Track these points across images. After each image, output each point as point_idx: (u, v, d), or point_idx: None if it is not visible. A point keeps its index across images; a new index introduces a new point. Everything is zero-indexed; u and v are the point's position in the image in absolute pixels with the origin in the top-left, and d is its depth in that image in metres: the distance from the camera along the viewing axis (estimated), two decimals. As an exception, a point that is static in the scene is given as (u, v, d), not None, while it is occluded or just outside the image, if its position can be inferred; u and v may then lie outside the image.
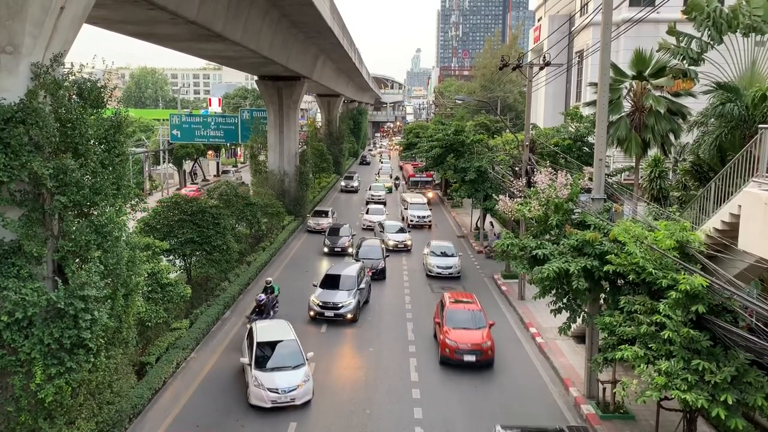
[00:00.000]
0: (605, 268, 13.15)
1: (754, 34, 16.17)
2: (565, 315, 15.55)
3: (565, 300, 15.24)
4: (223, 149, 72.15)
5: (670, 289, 11.59)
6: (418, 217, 41.14)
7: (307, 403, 15.75)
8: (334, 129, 72.24)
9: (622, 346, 12.04)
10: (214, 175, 68.94)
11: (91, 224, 11.93)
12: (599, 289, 14.65)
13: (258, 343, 16.55)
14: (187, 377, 17.40)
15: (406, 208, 43.28)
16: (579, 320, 15.45)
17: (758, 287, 15.47)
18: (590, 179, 18.20)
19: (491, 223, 37.57)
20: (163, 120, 62.11)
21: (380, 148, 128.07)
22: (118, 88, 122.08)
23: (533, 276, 15.11)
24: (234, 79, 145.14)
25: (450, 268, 28.42)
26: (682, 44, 17.25)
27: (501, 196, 25.82)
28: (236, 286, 24.39)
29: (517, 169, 28.03)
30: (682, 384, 10.90)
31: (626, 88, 20.86)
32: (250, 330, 17.57)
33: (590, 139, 28.68)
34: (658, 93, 20.22)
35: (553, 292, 15.18)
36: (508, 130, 40.54)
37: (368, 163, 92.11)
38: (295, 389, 15.49)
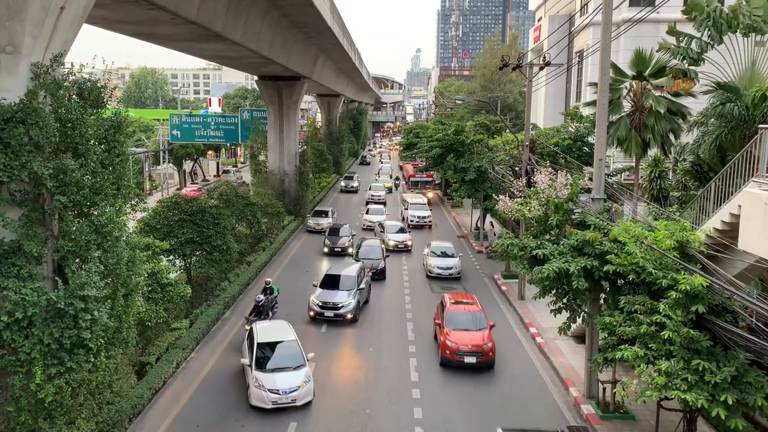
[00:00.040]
0: (605, 268, 13.15)
1: (754, 34, 16.16)
2: (565, 315, 15.55)
3: (565, 300, 15.24)
4: (223, 149, 72.15)
5: (670, 289, 11.59)
6: (419, 217, 41.12)
7: (307, 404, 15.73)
8: (334, 129, 72.24)
9: (622, 346, 12.04)
10: (214, 175, 68.95)
11: (91, 224, 11.93)
12: (599, 289, 14.65)
13: (258, 344, 16.52)
14: (187, 377, 17.40)
15: (406, 209, 43.26)
16: (579, 320, 15.45)
17: (758, 287, 15.47)
18: (590, 179, 18.20)
19: (491, 223, 37.58)
20: (163, 120, 62.11)
21: (380, 148, 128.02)
22: (118, 88, 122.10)
23: (533, 276, 15.11)
24: (234, 79, 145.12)
25: (450, 268, 28.37)
26: (682, 44, 17.25)
27: (501, 196, 25.82)
28: (236, 286, 24.39)
29: (517, 169, 28.03)
30: (682, 384, 10.89)
31: (626, 88, 20.86)
32: (251, 331, 17.54)
33: (590, 139, 28.68)
34: (658, 93, 20.22)
35: (553, 292, 15.18)
36: (508, 130, 40.54)
37: (368, 164, 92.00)
38: (296, 390, 15.46)
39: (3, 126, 10.85)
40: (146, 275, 16.04)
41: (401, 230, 35.79)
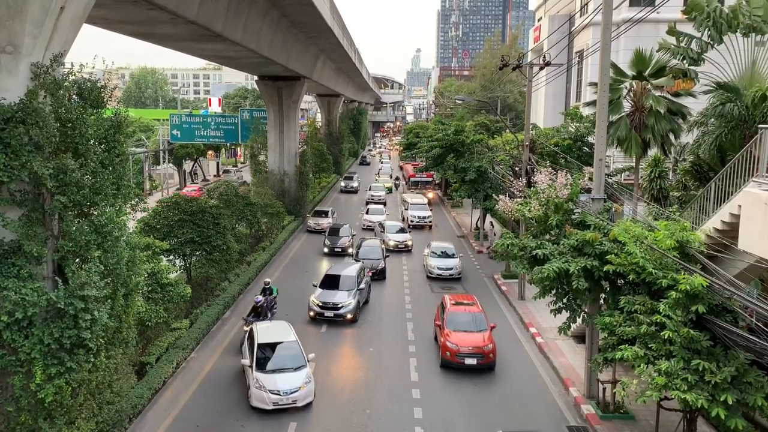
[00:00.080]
0: (605, 268, 13.15)
1: (754, 34, 16.16)
2: (565, 315, 15.55)
3: (565, 300, 15.24)
4: (223, 149, 72.16)
5: (670, 289, 11.59)
6: (419, 217, 41.09)
7: (308, 405, 15.71)
8: (334, 129, 72.24)
9: (622, 346, 12.04)
10: (214, 175, 68.96)
11: (91, 224, 11.94)
12: (599, 289, 14.65)
13: (259, 345, 16.46)
14: (187, 377, 17.40)
15: (406, 209, 43.24)
16: (579, 320, 15.45)
17: (758, 287, 15.47)
18: (590, 179, 18.20)
19: (491, 223, 37.58)
20: (163, 120, 62.12)
21: (380, 148, 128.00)
22: (118, 88, 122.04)
23: (533, 276, 15.11)
24: (234, 79, 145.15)
25: (450, 269, 28.28)
26: (682, 44, 17.25)
27: (501, 196, 25.83)
28: (236, 286, 24.39)
29: (517, 169, 28.04)
30: (682, 384, 10.89)
31: (626, 88, 20.86)
32: (251, 331, 17.47)
33: (590, 139, 28.69)
34: (658, 93, 20.22)
35: (553, 292, 15.18)
36: (508, 130, 40.56)
37: (368, 164, 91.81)
38: (297, 391, 15.42)
39: (3, 126, 10.85)
40: (146, 275, 16.04)
41: (401, 230, 35.78)
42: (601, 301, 15.23)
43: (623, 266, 12.69)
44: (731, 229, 12.16)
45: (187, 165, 62.52)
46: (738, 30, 15.96)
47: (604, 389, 15.40)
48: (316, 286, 23.49)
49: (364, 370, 18.34)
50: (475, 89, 74.86)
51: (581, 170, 21.79)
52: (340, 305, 22.09)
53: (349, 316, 22.05)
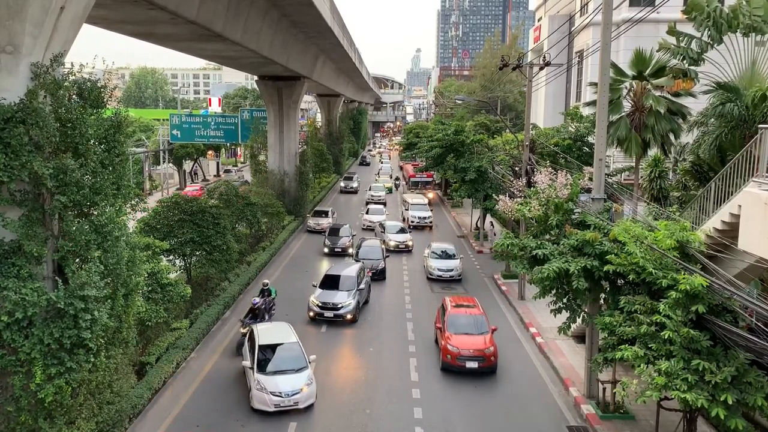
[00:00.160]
0: (605, 268, 13.15)
1: (754, 34, 16.17)
2: (565, 315, 15.55)
3: (565, 300, 15.24)
4: (223, 149, 72.16)
5: (670, 289, 11.59)
6: (419, 218, 41.05)
7: (310, 407, 15.66)
8: (334, 129, 72.24)
9: (622, 346, 12.03)
10: (214, 175, 68.99)
11: (91, 224, 11.94)
12: (599, 289, 14.64)
13: (260, 346, 16.38)
14: (187, 377, 17.39)
15: (406, 209, 43.22)
16: (579, 320, 15.45)
17: (758, 287, 15.47)
18: (590, 179, 18.20)
19: (491, 223, 37.60)
20: (163, 120, 62.12)
21: (380, 148, 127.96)
22: (118, 88, 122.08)
23: (533, 276, 15.10)
24: (234, 79, 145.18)
25: (451, 270, 28.09)
26: (682, 44, 17.25)
27: (501, 196, 25.83)
28: (236, 286, 24.39)
29: (517, 169, 28.04)
30: (682, 384, 10.89)
31: (626, 88, 20.87)
32: (252, 333, 17.40)
33: (590, 139, 28.69)
34: (658, 93, 20.23)
35: (553, 292, 15.17)
36: (508, 130, 40.56)
37: (368, 164, 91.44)
38: (299, 393, 15.36)
39: (3, 126, 10.85)
40: (146, 275, 16.03)
41: (402, 230, 35.76)
42: (601, 301, 15.23)
43: (623, 266, 12.69)
44: (731, 229, 12.16)
45: (187, 165, 62.53)
46: (738, 30, 15.96)
47: (604, 389, 15.40)
48: (315, 287, 23.48)
49: (364, 370, 18.34)
50: (475, 89, 74.87)
51: (581, 170, 21.80)
52: (339, 305, 22.08)
53: (348, 316, 22.04)
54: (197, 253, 22.76)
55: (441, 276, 28.02)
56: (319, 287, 23.10)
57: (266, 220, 32.18)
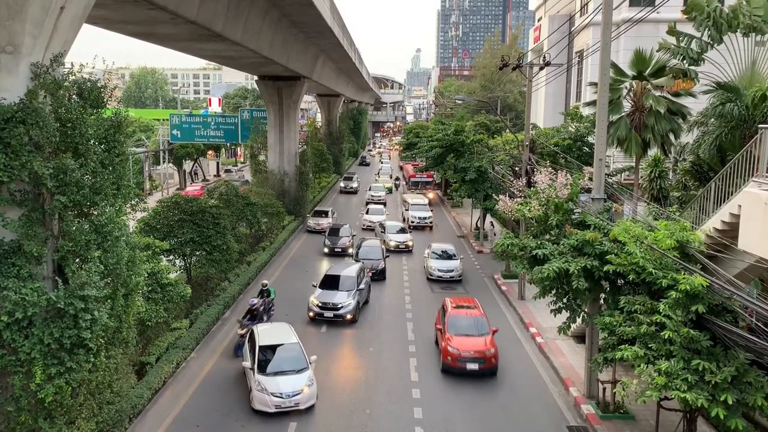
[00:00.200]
0: (605, 268, 13.15)
1: (754, 34, 16.17)
2: (565, 315, 15.55)
3: (565, 300, 15.24)
4: (223, 149, 72.17)
5: (670, 289, 11.59)
6: (419, 218, 41.02)
7: (310, 408, 15.63)
8: (334, 129, 72.25)
9: (622, 346, 12.03)
10: (214, 175, 68.99)
11: (91, 224, 11.94)
12: (599, 289, 14.64)
13: (260, 347, 16.34)
14: (187, 377, 17.39)
15: (407, 209, 43.20)
16: (579, 320, 15.45)
17: (758, 287, 15.48)
18: (590, 179, 18.20)
19: (491, 223, 37.60)
20: (163, 120, 62.12)
21: (380, 148, 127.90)
22: (118, 88, 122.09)
23: (533, 276, 15.10)
24: (234, 79, 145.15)
25: (451, 271, 27.96)
26: (682, 44, 17.26)
27: (501, 196, 25.82)
28: (236, 286, 24.39)
29: (517, 169, 28.04)
30: (682, 384, 10.89)
31: (626, 88, 20.87)
32: (252, 333, 17.36)
33: (590, 139, 28.70)
34: (658, 93, 20.23)
35: (553, 292, 15.17)
36: (508, 130, 40.56)
37: (368, 164, 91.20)
38: (299, 394, 15.32)
39: (3, 126, 10.85)
40: (146, 275, 16.03)
41: (402, 230, 35.76)
42: (601, 301, 15.23)
43: (623, 266, 12.69)
44: (731, 229, 12.17)
45: (187, 165, 62.53)
46: (738, 30, 15.97)
47: (604, 389, 15.40)
48: (315, 287, 23.47)
49: (364, 370, 18.34)
50: (475, 89, 74.88)
51: (581, 170, 21.79)
52: (339, 306, 22.07)
53: (348, 316, 22.03)
54: (197, 253, 22.76)
55: (441, 277, 27.91)
56: (319, 287, 23.09)
57: (266, 220, 32.18)
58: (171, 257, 21.98)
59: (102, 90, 12.48)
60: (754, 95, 16.05)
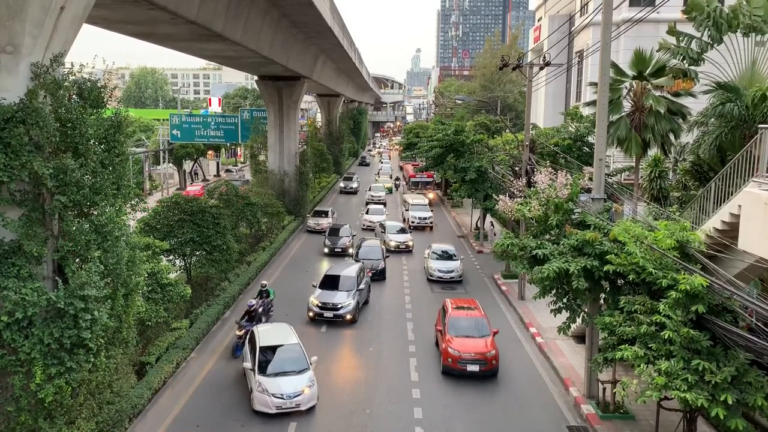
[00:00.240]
0: (605, 268, 13.15)
1: (754, 34, 16.18)
2: (565, 315, 15.55)
3: (565, 300, 15.24)
4: (223, 149, 72.17)
5: (670, 289, 11.59)
6: (420, 218, 41.00)
7: (311, 408, 15.62)
8: (334, 129, 72.25)
9: (622, 346, 12.03)
10: (214, 175, 68.99)
11: (91, 224, 11.93)
12: (599, 289, 14.64)
13: (261, 348, 16.29)
14: (187, 377, 17.39)
15: (407, 210, 43.19)
16: (579, 320, 15.45)
17: (758, 287, 15.48)
18: (590, 179, 18.20)
19: (491, 223, 37.60)
20: (163, 120, 62.13)
21: (380, 148, 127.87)
22: (118, 88, 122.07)
23: (533, 276, 15.10)
24: (234, 79, 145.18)
25: (452, 271, 27.88)
26: (682, 44, 17.27)
27: (501, 196, 25.82)
28: (236, 286, 24.39)
29: (517, 169, 28.04)
30: (682, 384, 10.89)
31: (626, 88, 20.87)
32: (252, 334, 17.33)
33: (590, 139, 28.70)
34: (658, 93, 20.23)
35: (553, 292, 15.17)
36: (508, 130, 40.56)
37: (368, 164, 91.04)
38: (300, 394, 15.28)
39: (3, 126, 10.85)
40: (146, 275, 16.02)
41: (402, 230, 35.76)
42: (601, 301, 15.23)
43: (623, 266, 12.69)
44: (731, 229, 12.17)
45: (187, 165, 62.54)
46: (738, 30, 15.97)
47: (604, 389, 15.41)
48: (315, 287, 23.46)
49: (364, 370, 18.34)
50: (475, 89, 74.89)
51: (581, 170, 21.79)
52: (339, 306, 22.07)
53: (348, 316, 22.03)
54: (197, 253, 22.75)
55: (441, 277, 27.84)
56: (319, 287, 23.09)
57: (266, 220, 32.18)
58: (171, 257, 21.97)
59: (102, 90, 12.48)
60: (754, 95, 16.05)
